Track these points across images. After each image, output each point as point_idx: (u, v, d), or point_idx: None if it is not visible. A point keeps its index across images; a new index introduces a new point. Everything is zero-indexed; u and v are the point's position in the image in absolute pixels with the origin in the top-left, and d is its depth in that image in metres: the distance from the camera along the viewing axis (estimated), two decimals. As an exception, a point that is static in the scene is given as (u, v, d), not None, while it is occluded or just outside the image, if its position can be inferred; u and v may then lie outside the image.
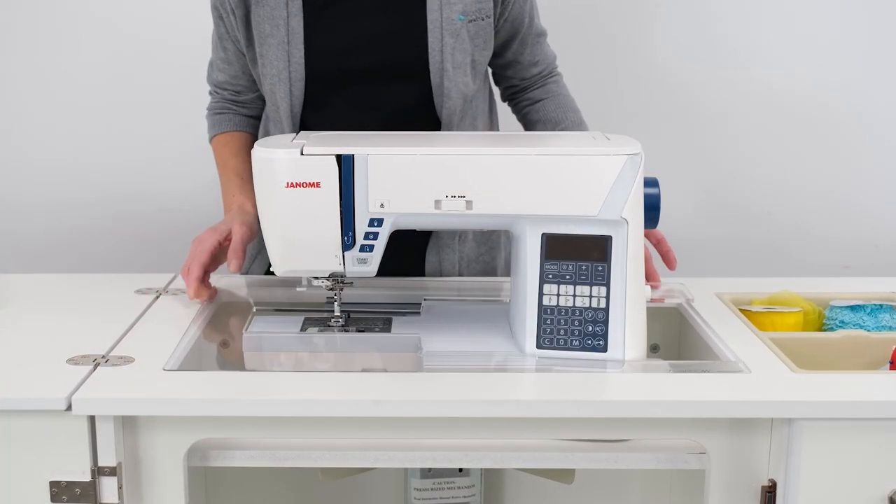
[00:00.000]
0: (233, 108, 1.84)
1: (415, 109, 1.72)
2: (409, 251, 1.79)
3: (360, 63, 1.69)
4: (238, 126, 1.84)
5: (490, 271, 1.87)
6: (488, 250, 1.86)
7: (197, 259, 1.57)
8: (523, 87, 1.86)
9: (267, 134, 1.82)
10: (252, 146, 1.72)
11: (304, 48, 1.68)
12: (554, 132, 1.81)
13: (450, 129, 1.72)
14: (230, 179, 1.76)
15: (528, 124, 1.87)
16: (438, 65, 1.67)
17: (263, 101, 1.82)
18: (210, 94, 1.87)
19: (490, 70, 1.86)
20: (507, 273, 1.89)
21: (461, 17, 1.67)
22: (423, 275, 1.82)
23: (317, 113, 1.73)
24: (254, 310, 1.62)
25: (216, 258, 1.60)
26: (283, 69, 1.68)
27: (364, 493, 1.70)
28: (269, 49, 1.68)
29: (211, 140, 1.86)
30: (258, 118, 1.86)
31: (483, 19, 1.69)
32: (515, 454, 1.31)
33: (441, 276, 1.82)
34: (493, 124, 1.89)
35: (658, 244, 1.67)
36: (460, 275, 1.83)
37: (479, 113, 1.81)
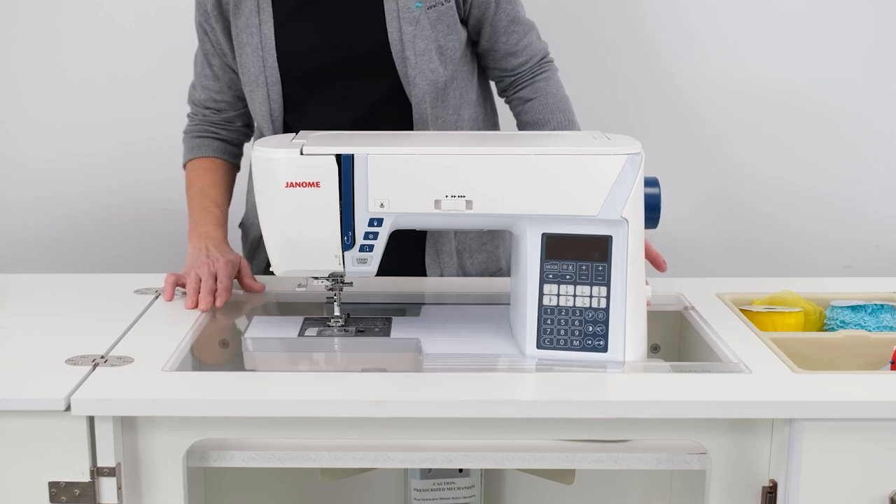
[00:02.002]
0: (212, 131, 1.84)
1: (389, 99, 1.75)
2: (405, 248, 1.80)
3: (329, 60, 1.73)
4: (217, 152, 1.84)
5: (493, 260, 1.87)
6: (491, 239, 1.86)
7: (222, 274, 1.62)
8: (512, 83, 1.86)
9: None
10: (232, 176, 1.83)
11: (277, 52, 1.73)
12: (554, 132, 1.81)
13: (422, 115, 1.74)
14: (209, 210, 1.75)
15: (520, 126, 1.88)
16: (400, 53, 1.71)
17: (243, 120, 1.85)
18: (189, 116, 1.87)
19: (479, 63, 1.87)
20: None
21: (418, 4, 1.70)
22: (423, 271, 1.82)
23: (296, 114, 1.77)
24: (253, 310, 1.62)
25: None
26: (259, 74, 1.73)
27: (364, 494, 1.69)
28: (246, 57, 1.74)
29: (188, 162, 1.84)
30: (238, 146, 1.88)
31: (442, 4, 1.71)
32: (515, 455, 1.30)
33: (440, 270, 1.82)
34: (486, 112, 1.89)
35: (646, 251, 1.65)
36: (462, 266, 1.83)
37: (465, 102, 1.81)
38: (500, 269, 1.88)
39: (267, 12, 1.72)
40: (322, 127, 1.67)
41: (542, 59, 1.85)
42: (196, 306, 1.57)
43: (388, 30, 1.70)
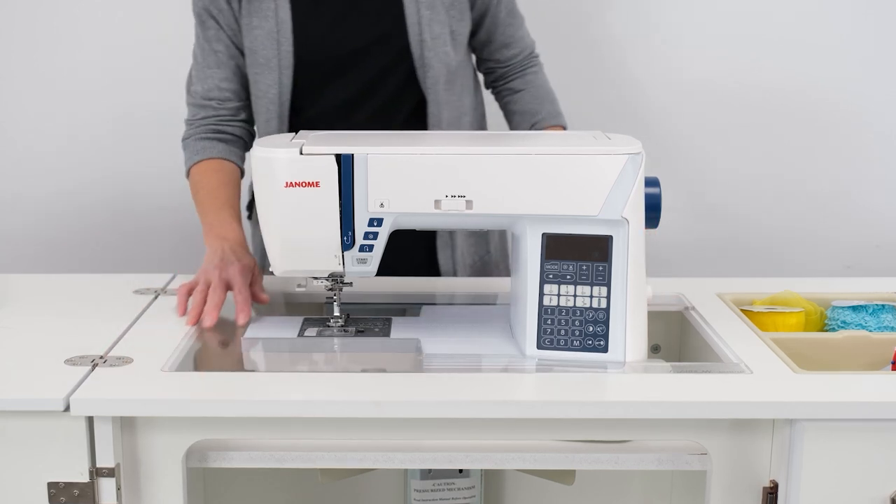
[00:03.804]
0: (216, 130, 1.76)
1: (401, 86, 1.77)
2: (418, 249, 1.82)
3: (346, 45, 1.75)
4: (223, 154, 1.75)
5: (483, 243, 1.90)
6: (477, 240, 1.90)
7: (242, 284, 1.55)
8: (503, 74, 1.90)
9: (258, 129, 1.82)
10: (238, 179, 1.76)
11: (293, 37, 1.73)
12: (553, 132, 1.81)
13: (436, 100, 1.77)
14: (222, 209, 1.67)
15: (508, 115, 1.93)
16: (417, 36, 1.74)
17: (248, 113, 1.79)
18: (187, 123, 1.78)
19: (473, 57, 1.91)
20: (501, 262, 1.91)
21: None
22: (437, 272, 1.85)
23: (307, 97, 1.77)
24: (252, 311, 1.62)
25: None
26: (272, 58, 1.73)
27: (364, 495, 1.69)
28: (257, 41, 1.73)
29: (193, 166, 1.74)
30: (241, 146, 1.80)
31: None
32: (516, 455, 1.30)
33: (454, 271, 1.85)
34: (479, 101, 1.92)
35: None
36: (462, 255, 1.86)
37: (465, 89, 1.84)
38: (489, 251, 1.91)
39: None
40: (332, 112, 1.73)
41: (531, 52, 1.91)
42: (196, 322, 1.50)
43: (406, 13, 1.73)
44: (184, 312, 1.53)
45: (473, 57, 1.91)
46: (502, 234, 1.96)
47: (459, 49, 1.79)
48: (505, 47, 1.87)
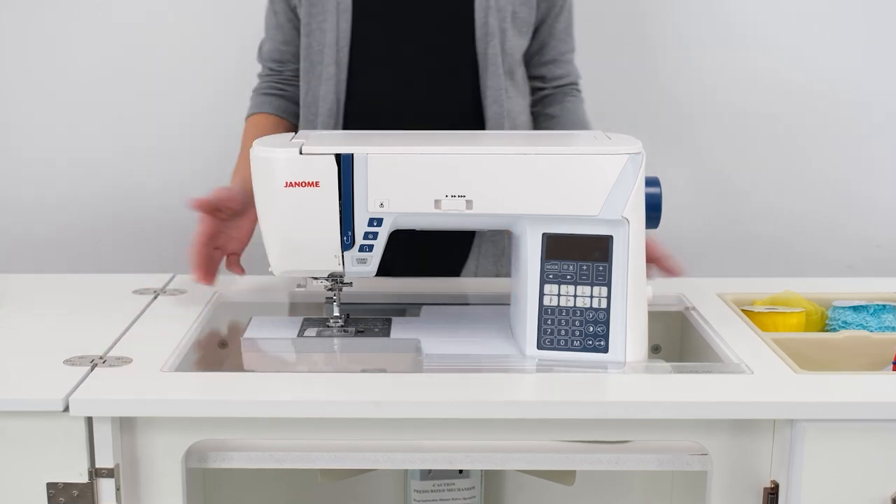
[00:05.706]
0: (278, 87, 1.87)
1: (453, 49, 1.76)
2: (448, 251, 1.83)
3: (407, 3, 1.75)
4: (278, 111, 1.86)
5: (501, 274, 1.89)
6: (496, 251, 1.87)
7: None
8: (543, 98, 1.88)
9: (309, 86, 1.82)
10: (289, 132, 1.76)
11: None
12: (553, 132, 1.81)
13: (486, 69, 1.74)
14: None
15: None
16: (483, 5, 1.73)
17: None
18: (258, 76, 1.91)
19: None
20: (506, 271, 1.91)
21: None
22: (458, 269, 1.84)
23: (361, 51, 1.76)
24: (252, 310, 1.62)
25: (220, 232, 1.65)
26: (330, 1, 1.74)
27: (363, 495, 1.69)
28: None
29: (248, 117, 1.87)
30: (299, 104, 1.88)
31: None
32: (516, 455, 1.30)
33: (476, 268, 1.84)
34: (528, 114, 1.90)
35: (658, 260, 1.64)
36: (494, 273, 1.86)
37: (523, 93, 1.83)
38: (502, 264, 1.89)
39: None
40: (382, 77, 1.75)
41: (574, 81, 1.89)
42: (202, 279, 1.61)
43: None
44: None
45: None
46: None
47: (522, 37, 1.78)
48: (553, 64, 1.85)
